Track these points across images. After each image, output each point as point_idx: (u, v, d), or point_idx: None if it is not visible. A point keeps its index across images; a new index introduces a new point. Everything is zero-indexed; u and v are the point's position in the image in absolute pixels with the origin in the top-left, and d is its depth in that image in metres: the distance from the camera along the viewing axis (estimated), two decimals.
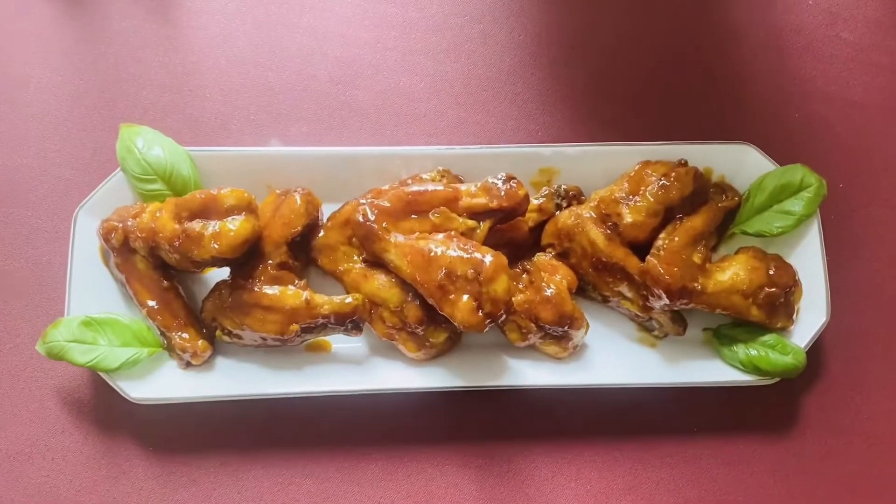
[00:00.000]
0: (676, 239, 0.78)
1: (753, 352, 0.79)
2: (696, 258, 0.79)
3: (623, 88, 0.92)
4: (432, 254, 0.74)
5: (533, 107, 0.91)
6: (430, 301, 0.75)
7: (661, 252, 0.77)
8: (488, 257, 0.73)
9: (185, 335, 0.78)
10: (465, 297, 0.73)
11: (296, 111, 0.89)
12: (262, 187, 0.83)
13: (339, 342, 0.81)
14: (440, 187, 0.77)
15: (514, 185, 0.77)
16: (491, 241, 0.80)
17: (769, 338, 0.80)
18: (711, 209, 0.82)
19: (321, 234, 0.80)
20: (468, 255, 0.73)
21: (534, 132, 0.90)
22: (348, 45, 0.91)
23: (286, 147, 0.85)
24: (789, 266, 0.80)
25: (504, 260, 0.73)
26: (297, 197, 0.79)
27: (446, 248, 0.74)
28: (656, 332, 0.82)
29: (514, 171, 0.82)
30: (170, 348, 0.78)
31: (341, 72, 0.90)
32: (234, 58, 0.90)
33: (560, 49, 0.93)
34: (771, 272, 0.79)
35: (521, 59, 0.92)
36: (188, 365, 0.79)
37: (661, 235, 0.79)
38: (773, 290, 0.79)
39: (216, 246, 0.73)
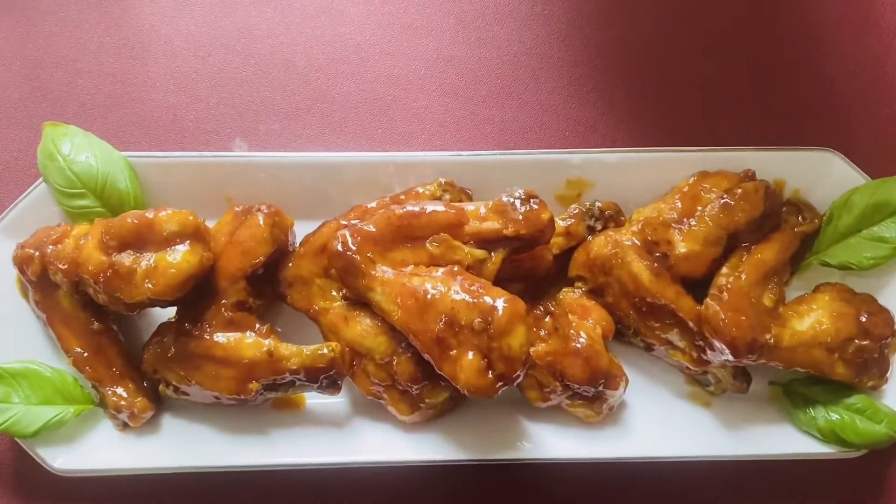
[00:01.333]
0: (743, 276, 0.61)
1: (835, 416, 0.63)
2: (768, 300, 0.62)
3: (674, 82, 0.74)
4: (429, 296, 0.57)
5: (561, 101, 0.73)
6: (426, 356, 0.58)
7: (725, 294, 0.61)
8: (501, 302, 0.56)
9: (122, 390, 0.62)
10: (471, 354, 0.56)
11: (265, 105, 0.72)
12: (222, 202, 0.66)
13: (314, 397, 0.65)
14: (441, 207, 0.60)
15: (536, 205, 0.60)
16: (505, 273, 0.63)
17: (856, 400, 0.63)
18: (786, 236, 0.65)
19: (291, 263, 0.64)
20: (475, 300, 0.56)
21: (562, 133, 0.73)
22: (331, 22, 0.74)
23: (251, 153, 0.68)
24: (885, 311, 0.64)
25: (521, 306, 0.57)
26: (261, 217, 0.62)
27: (447, 289, 0.57)
28: (711, 388, 0.66)
29: (537, 182, 0.66)
30: (103, 406, 0.63)
31: (322, 56, 0.73)
32: (190, 38, 0.73)
33: (596, 29, 0.75)
34: (863, 319, 0.62)
35: (546, 41, 0.74)
36: (125, 427, 0.63)
37: (724, 271, 0.62)
38: (865, 343, 0.62)
39: (150, 286, 0.57)
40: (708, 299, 0.61)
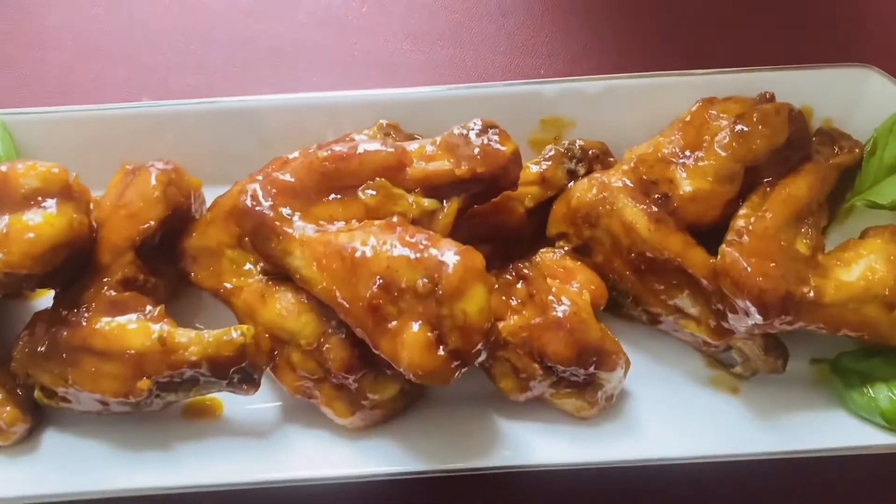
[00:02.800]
0: (770, 215, 0.47)
1: None
2: (802, 246, 0.48)
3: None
4: (358, 254, 0.44)
5: (532, 34, 0.61)
6: (360, 333, 0.45)
7: (746, 238, 0.47)
8: (451, 255, 0.43)
9: None
10: (416, 325, 0.43)
11: (180, 57, 0.61)
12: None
13: (234, 401, 0.52)
14: (376, 146, 0.48)
15: (495, 135, 0.47)
16: (466, 232, 0.50)
17: None
18: (818, 167, 0.51)
19: (195, 232, 0.51)
20: (418, 255, 0.43)
21: (536, 72, 0.60)
22: None
23: (150, 102, 0.56)
24: None
25: (478, 259, 0.43)
26: (153, 174, 0.50)
27: (382, 244, 0.44)
28: (738, 369, 0.51)
29: (503, 124, 0.52)
30: None
31: None
32: None
33: None
34: None
35: None
36: None
37: (743, 212, 0.48)
38: None
39: (1, 256, 0.44)
40: (724, 246, 0.47)
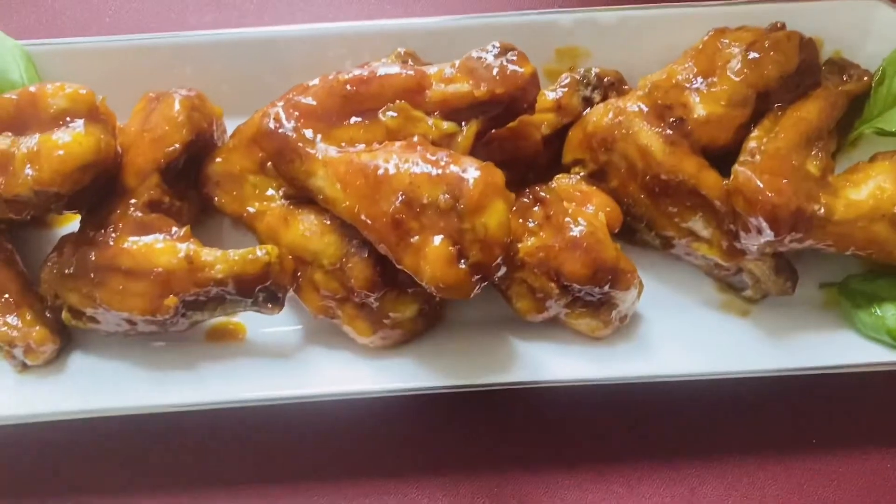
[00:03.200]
0: (782, 136, 0.48)
1: None
2: (812, 167, 0.49)
3: None
4: (380, 171, 0.45)
5: None
6: (383, 249, 0.46)
7: (758, 157, 0.48)
8: (472, 172, 0.44)
9: (16, 320, 0.50)
10: (437, 239, 0.44)
11: None
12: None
13: (256, 324, 0.53)
14: (396, 69, 0.48)
15: (514, 58, 0.48)
16: (482, 159, 0.51)
17: None
18: (828, 93, 0.52)
19: (219, 158, 0.52)
20: (439, 171, 0.44)
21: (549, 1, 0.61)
22: None
23: (171, 33, 0.56)
24: None
25: (499, 176, 0.45)
26: (177, 99, 0.50)
27: (403, 162, 0.45)
28: (749, 292, 0.53)
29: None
30: None
31: None
32: None
33: None
34: None
35: None
36: (24, 367, 0.51)
37: (755, 133, 0.50)
38: None
39: (32, 172, 0.46)
40: (737, 166, 0.48)
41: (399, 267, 0.45)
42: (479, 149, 0.50)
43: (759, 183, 0.46)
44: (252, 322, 0.53)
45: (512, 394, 0.51)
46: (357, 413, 0.51)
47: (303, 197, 0.50)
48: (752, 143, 0.49)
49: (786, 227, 0.46)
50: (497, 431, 0.52)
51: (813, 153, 0.50)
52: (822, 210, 0.47)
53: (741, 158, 0.49)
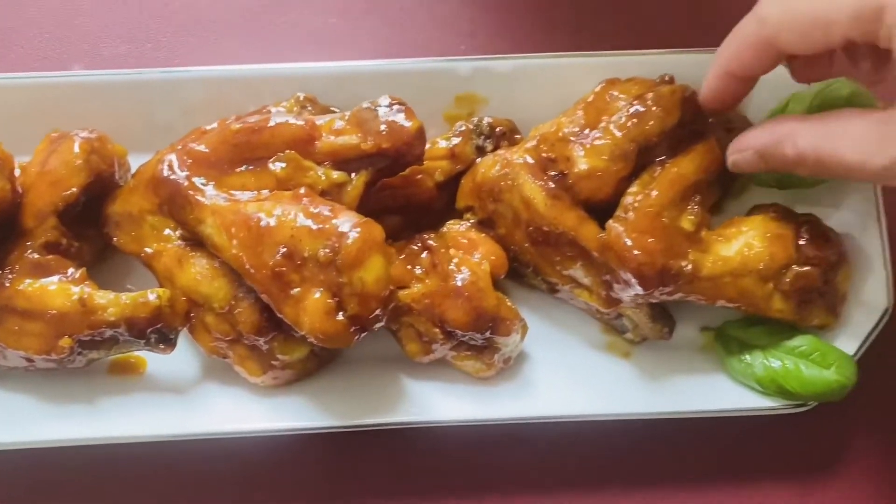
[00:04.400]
0: (655, 193, 0.51)
1: (776, 363, 0.52)
2: (687, 223, 0.52)
3: None
4: (264, 223, 0.47)
5: (453, 12, 0.63)
6: (265, 298, 0.48)
7: (631, 214, 0.50)
8: (352, 227, 0.46)
9: None
10: (317, 292, 0.46)
11: (112, 26, 0.62)
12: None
13: (157, 361, 0.55)
14: (286, 119, 0.50)
15: (401, 114, 0.50)
16: (379, 203, 0.53)
17: (802, 342, 0.53)
18: (709, 147, 0.54)
19: (118, 199, 0.53)
20: (321, 226, 0.46)
21: (454, 46, 0.62)
22: None
23: (75, 72, 0.57)
24: (830, 232, 0.53)
25: (377, 231, 0.46)
26: (76, 142, 0.52)
27: (287, 215, 0.47)
28: (630, 335, 0.55)
29: (420, 99, 0.54)
30: None
31: None
32: None
33: None
34: (802, 242, 0.51)
35: None
36: None
37: (632, 189, 0.52)
38: (805, 269, 0.51)
39: None
40: (611, 221, 0.50)
41: (279, 317, 0.47)
42: (373, 195, 0.52)
43: (627, 241, 0.49)
44: (152, 357, 0.55)
45: (400, 431, 0.53)
46: (248, 449, 0.53)
47: (197, 240, 0.52)
48: (627, 199, 0.51)
49: (652, 284, 0.49)
50: (385, 468, 0.55)
51: (689, 208, 0.52)
52: (690, 266, 0.50)
53: (616, 213, 0.51)
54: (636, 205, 0.50)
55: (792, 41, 0.45)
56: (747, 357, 0.53)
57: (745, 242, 0.51)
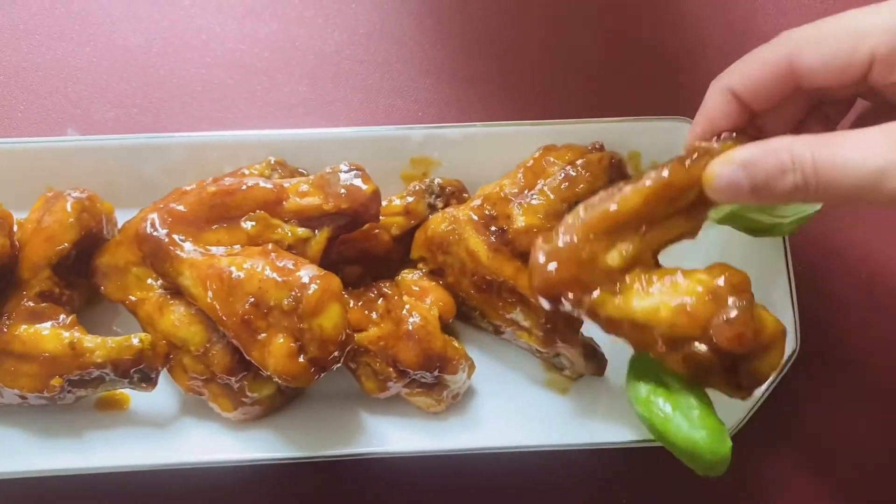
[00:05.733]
0: (580, 220, 0.52)
1: (668, 409, 0.51)
2: (614, 259, 0.51)
3: (527, 56, 0.71)
4: (234, 276, 0.53)
5: (412, 81, 0.70)
6: (235, 342, 0.54)
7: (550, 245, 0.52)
8: (313, 278, 0.52)
9: None
10: (281, 337, 0.52)
11: (100, 93, 0.69)
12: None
13: (140, 398, 0.60)
14: (257, 183, 0.56)
15: (358, 177, 0.56)
16: (340, 255, 0.60)
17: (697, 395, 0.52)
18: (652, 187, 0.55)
19: (106, 252, 0.59)
20: (285, 278, 0.52)
21: (414, 114, 0.69)
22: (171, 6, 0.71)
23: (68, 137, 0.64)
24: (763, 320, 0.49)
25: (334, 283, 0.53)
26: (69, 201, 0.58)
27: (256, 268, 0.53)
28: (567, 372, 0.61)
29: (379, 161, 0.62)
30: None
31: (161, 41, 0.70)
32: (21, 27, 0.70)
33: (450, 7, 0.72)
34: (721, 320, 0.48)
35: (396, 20, 0.71)
36: None
37: (569, 216, 0.53)
38: (702, 349, 0.49)
39: None
40: (540, 238, 0.52)
41: (248, 359, 0.53)
42: (334, 249, 0.59)
43: (539, 264, 0.51)
44: (136, 393, 0.60)
45: (358, 461, 0.59)
46: (221, 477, 0.59)
47: (176, 290, 0.58)
48: (561, 226, 0.52)
49: (549, 299, 0.51)
50: (346, 494, 0.60)
51: (618, 246, 0.51)
52: (591, 300, 0.50)
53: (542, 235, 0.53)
54: (563, 227, 0.52)
55: (814, 62, 0.41)
56: (645, 390, 0.52)
57: (659, 301, 0.50)
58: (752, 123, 0.50)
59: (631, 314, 0.50)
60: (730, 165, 0.44)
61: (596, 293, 0.51)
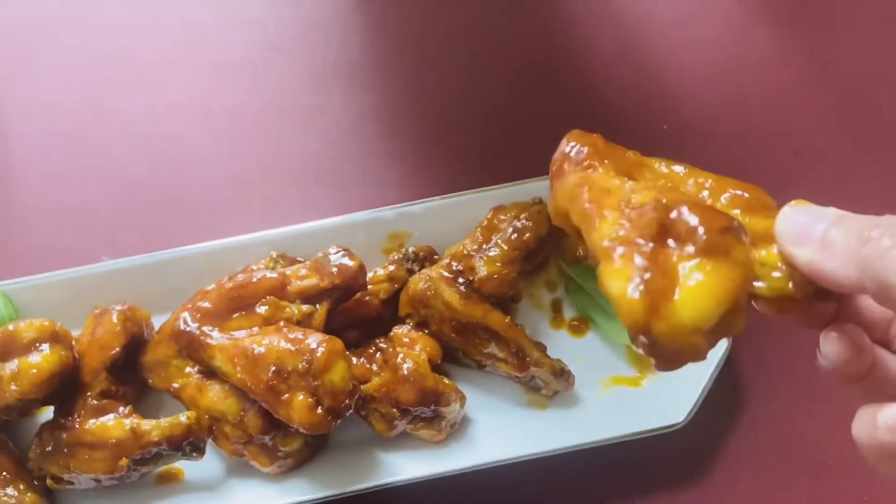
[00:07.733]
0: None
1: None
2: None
3: (474, 134, 0.85)
4: (256, 351, 0.65)
5: (381, 173, 0.83)
6: (265, 406, 0.66)
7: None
8: (319, 343, 0.64)
9: (13, 491, 0.69)
10: (301, 395, 0.64)
11: (123, 221, 0.82)
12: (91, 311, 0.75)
13: (192, 469, 0.72)
14: (264, 274, 0.69)
15: (345, 256, 0.69)
16: (338, 323, 0.72)
17: None
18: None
19: (148, 351, 0.72)
20: (297, 346, 0.64)
21: (385, 197, 0.82)
22: (172, 142, 0.85)
23: (106, 262, 0.77)
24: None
25: (338, 344, 0.65)
26: (114, 314, 0.71)
27: (272, 342, 0.65)
28: (544, 391, 0.73)
29: (362, 241, 0.75)
30: None
31: (168, 171, 0.84)
32: (52, 172, 0.84)
33: (396, 113, 0.86)
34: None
35: (358, 124, 0.85)
36: None
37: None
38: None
39: (16, 388, 0.65)
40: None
41: (277, 418, 0.65)
42: (334, 318, 0.71)
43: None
44: (188, 466, 0.72)
45: (378, 493, 0.70)
46: None
47: (210, 371, 0.70)
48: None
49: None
50: None
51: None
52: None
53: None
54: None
55: None
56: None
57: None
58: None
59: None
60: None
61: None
